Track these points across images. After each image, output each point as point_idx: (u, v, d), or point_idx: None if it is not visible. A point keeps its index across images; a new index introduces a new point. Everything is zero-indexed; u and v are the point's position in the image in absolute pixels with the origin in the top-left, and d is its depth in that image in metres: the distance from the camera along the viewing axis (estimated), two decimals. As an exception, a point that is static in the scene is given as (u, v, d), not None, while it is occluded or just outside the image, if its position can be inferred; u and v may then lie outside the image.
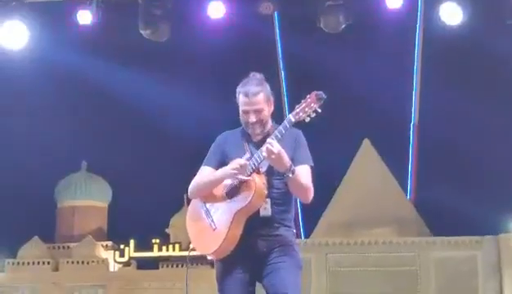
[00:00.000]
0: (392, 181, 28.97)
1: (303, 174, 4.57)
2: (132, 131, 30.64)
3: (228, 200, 4.57)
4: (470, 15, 13.58)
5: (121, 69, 25.14)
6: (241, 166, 4.46)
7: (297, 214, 31.29)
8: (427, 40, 28.53)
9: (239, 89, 4.73)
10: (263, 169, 4.53)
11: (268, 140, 4.43)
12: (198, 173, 4.80)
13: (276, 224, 4.61)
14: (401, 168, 30.56)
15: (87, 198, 32.12)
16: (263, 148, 4.40)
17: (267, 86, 4.75)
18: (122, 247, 29.44)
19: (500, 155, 28.69)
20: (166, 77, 26.87)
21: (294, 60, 28.02)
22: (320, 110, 4.39)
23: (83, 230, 31.09)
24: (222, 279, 4.83)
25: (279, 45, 28.86)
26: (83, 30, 13.05)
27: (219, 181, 4.62)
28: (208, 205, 4.70)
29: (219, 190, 4.64)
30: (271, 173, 4.54)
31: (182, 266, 28.68)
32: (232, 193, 4.56)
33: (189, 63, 26.41)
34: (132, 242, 29.29)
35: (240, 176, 4.47)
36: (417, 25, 28.00)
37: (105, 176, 32.25)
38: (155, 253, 29.26)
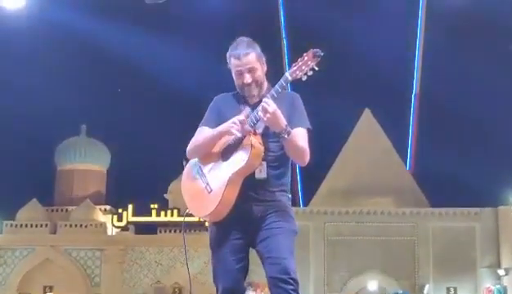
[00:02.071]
0: (392, 151, 28.96)
1: (300, 136, 4.43)
2: (133, 96, 30.55)
3: (224, 161, 4.45)
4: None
5: (121, 31, 24.98)
6: (240, 122, 4.40)
7: (296, 182, 31.47)
8: (430, 9, 28.34)
9: (229, 54, 4.60)
10: (259, 131, 4.41)
11: (264, 99, 4.31)
12: (196, 133, 4.67)
13: (272, 189, 4.47)
14: (402, 138, 30.54)
15: (86, 161, 32.03)
16: (259, 107, 4.28)
17: (257, 47, 4.61)
18: (120, 211, 29.43)
19: (502, 129, 28.63)
20: (167, 40, 26.71)
21: (297, 25, 27.82)
22: (317, 68, 4.22)
23: (82, 194, 31.05)
24: (215, 244, 4.69)
25: (281, 9, 28.65)
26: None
27: (217, 138, 4.50)
28: (203, 167, 4.55)
29: (215, 151, 4.52)
30: (266, 135, 4.41)
31: (180, 231, 28.71)
32: (228, 154, 4.44)
33: (190, 25, 26.26)
34: (130, 206, 29.26)
35: (238, 132, 4.35)
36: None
37: (105, 141, 32.15)
38: (154, 218, 29.25)
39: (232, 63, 4.58)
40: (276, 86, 4.32)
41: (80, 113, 31.48)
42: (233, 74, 4.59)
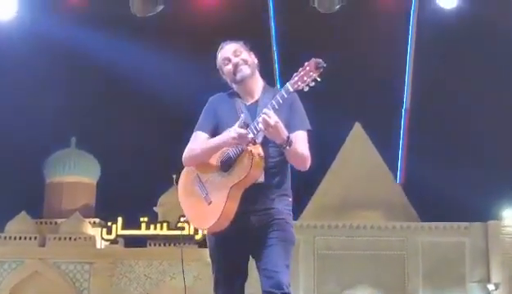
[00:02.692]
0: (382, 165, 28.98)
1: (300, 142, 4.42)
2: (123, 108, 30.44)
3: (223, 172, 4.40)
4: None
5: (112, 43, 24.90)
6: (239, 135, 4.30)
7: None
8: (421, 24, 28.41)
9: (217, 58, 4.65)
10: (259, 140, 4.36)
11: (265, 110, 4.24)
12: (191, 139, 4.64)
13: (271, 195, 4.48)
14: (392, 153, 30.55)
15: (75, 174, 31.92)
16: (259, 119, 4.23)
17: (245, 44, 4.65)
18: (109, 224, 29.32)
19: (492, 144, 28.67)
20: (158, 52, 26.65)
21: (286, 38, 27.87)
22: (319, 79, 4.20)
23: (71, 207, 30.93)
24: (214, 254, 4.67)
25: (272, 22, 28.67)
26: (71, 1, 12.91)
27: (215, 150, 4.45)
28: (201, 176, 4.51)
29: (213, 161, 4.47)
30: (265, 141, 4.37)
31: (170, 245, 28.64)
32: (228, 164, 4.39)
33: (180, 36, 26.18)
34: (119, 219, 29.16)
35: (240, 146, 4.31)
36: (412, 9, 27.83)
37: (95, 153, 32.07)
38: (143, 231, 29.15)
39: (219, 58, 4.58)
40: (277, 97, 4.25)
41: (70, 126, 31.41)
42: (223, 71, 4.57)
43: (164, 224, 28.90)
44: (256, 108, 4.46)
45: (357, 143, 28.88)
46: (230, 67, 4.54)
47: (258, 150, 4.34)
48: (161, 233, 28.85)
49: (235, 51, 4.54)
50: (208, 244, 4.69)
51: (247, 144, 4.30)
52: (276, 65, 28.93)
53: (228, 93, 4.66)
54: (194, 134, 4.63)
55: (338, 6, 12.76)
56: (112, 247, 29.13)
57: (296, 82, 4.20)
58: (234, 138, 4.30)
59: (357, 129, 29.36)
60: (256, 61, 4.60)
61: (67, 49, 25.94)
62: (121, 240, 29.25)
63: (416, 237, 27.08)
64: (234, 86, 4.61)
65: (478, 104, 28.73)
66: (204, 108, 4.69)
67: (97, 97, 30.44)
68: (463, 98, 28.89)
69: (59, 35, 21.25)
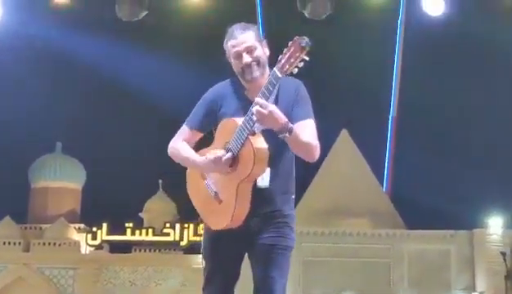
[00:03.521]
0: (369, 173, 28.96)
1: (305, 130, 4.16)
2: (108, 113, 30.33)
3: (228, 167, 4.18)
4: (452, 5, 13.47)
5: (97, 47, 24.82)
6: (216, 159, 4.09)
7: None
8: (408, 31, 28.45)
9: (225, 40, 4.35)
10: (258, 130, 4.11)
11: (256, 99, 4.01)
12: (180, 131, 4.45)
13: (275, 196, 4.26)
14: (379, 160, 30.56)
15: (60, 179, 31.73)
16: (253, 110, 3.99)
17: (256, 28, 4.40)
18: (94, 229, 29.17)
19: (478, 151, 28.73)
20: (144, 55, 26.58)
21: (275, 44, 27.78)
22: (307, 58, 3.96)
23: (56, 212, 30.75)
24: (209, 253, 4.52)
25: (260, 27, 28.58)
26: (57, 5, 12.81)
27: (196, 167, 4.26)
28: (205, 175, 4.30)
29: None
30: (266, 132, 4.12)
31: (155, 251, 28.53)
32: (232, 160, 4.16)
33: (167, 39, 26.12)
34: (104, 225, 29.02)
35: (241, 139, 4.04)
36: (399, 16, 27.86)
37: (80, 158, 31.90)
38: (128, 237, 29.01)
39: (229, 46, 4.27)
40: (267, 84, 4.00)
41: (56, 131, 31.23)
42: (232, 61, 4.29)
43: (150, 230, 28.78)
44: (252, 107, 4.17)
45: (344, 150, 28.85)
46: (239, 64, 4.28)
47: (259, 142, 4.08)
48: (146, 239, 28.73)
49: (248, 48, 4.26)
50: (202, 242, 4.54)
51: (244, 140, 4.05)
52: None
53: (233, 84, 4.40)
54: (183, 128, 4.46)
55: (325, 15, 12.71)
56: (97, 252, 28.96)
57: (283, 66, 3.98)
58: (210, 162, 4.12)
59: (344, 136, 29.33)
60: (268, 53, 4.39)
61: (52, 52, 25.85)
62: (106, 246, 29.10)
63: (402, 244, 27.05)
64: (240, 78, 4.37)
65: (465, 112, 28.79)
66: (203, 99, 4.45)
67: (83, 102, 30.32)
68: (450, 106, 28.95)
69: (44, 38, 21.16)
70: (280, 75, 3.98)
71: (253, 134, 4.07)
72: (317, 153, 4.24)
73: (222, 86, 4.43)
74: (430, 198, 26.75)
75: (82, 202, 32.29)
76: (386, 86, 30.64)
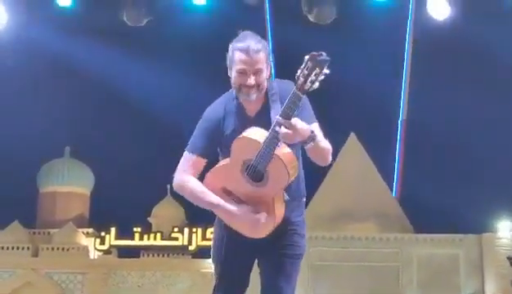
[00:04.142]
0: (377, 177, 28.87)
1: (320, 135, 4.15)
2: (117, 117, 30.37)
3: (255, 182, 4.08)
4: (458, 9, 13.42)
5: (104, 52, 24.84)
6: (256, 221, 4.06)
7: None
8: (418, 35, 28.33)
9: (234, 45, 4.18)
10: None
11: (277, 120, 3.90)
12: (185, 160, 4.28)
13: (289, 204, 4.22)
14: (388, 164, 30.45)
15: (69, 184, 31.77)
16: (279, 131, 3.89)
17: (267, 46, 4.25)
18: (103, 234, 29.18)
19: (487, 155, 28.61)
20: (152, 62, 26.61)
21: (284, 50, 27.74)
22: (328, 71, 3.87)
23: (65, 216, 30.79)
24: (220, 256, 4.43)
25: (269, 35, 28.53)
26: (62, 12, 12.82)
27: (208, 207, 4.17)
28: (228, 187, 4.18)
29: (236, 173, 4.13)
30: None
31: (163, 255, 28.53)
32: (257, 175, 4.07)
33: (173, 47, 26.13)
34: (113, 230, 29.03)
35: (267, 158, 3.99)
36: (408, 20, 27.76)
37: (88, 163, 31.95)
38: (137, 242, 29.01)
39: (236, 57, 4.12)
40: (289, 104, 3.87)
41: (64, 135, 31.29)
42: (233, 71, 4.17)
43: (158, 235, 28.79)
44: (261, 119, 4.17)
45: (352, 154, 28.76)
46: (241, 82, 4.15)
47: (283, 149, 4.02)
48: (155, 243, 28.73)
49: (257, 70, 4.10)
50: (212, 249, 4.47)
51: (273, 153, 3.98)
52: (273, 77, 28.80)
53: (229, 100, 4.29)
54: (189, 155, 4.27)
55: (331, 20, 12.71)
56: (105, 257, 28.97)
57: (304, 85, 3.87)
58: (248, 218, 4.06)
59: (353, 139, 29.26)
60: (268, 75, 4.25)
61: (60, 58, 25.88)
62: (114, 250, 29.12)
63: (411, 248, 26.96)
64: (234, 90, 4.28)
65: (476, 116, 28.69)
66: (204, 122, 4.30)
67: (92, 106, 30.39)
68: (460, 111, 28.85)
69: (51, 44, 21.18)
70: (301, 96, 3.90)
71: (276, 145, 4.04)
72: (331, 157, 4.24)
73: (220, 105, 4.32)
74: (439, 202, 26.66)
75: (90, 206, 32.32)
76: (395, 89, 30.51)
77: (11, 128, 28.97)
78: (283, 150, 4.03)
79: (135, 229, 29.12)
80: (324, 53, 3.92)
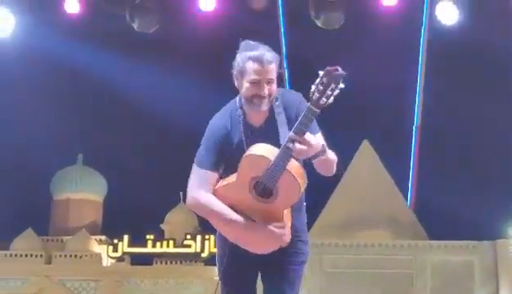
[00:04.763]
0: (390, 183, 28.75)
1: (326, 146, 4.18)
2: (129, 125, 30.40)
3: (264, 199, 4.07)
4: (468, 13, 13.35)
5: (114, 59, 24.86)
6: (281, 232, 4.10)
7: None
8: (432, 40, 28.18)
9: (245, 54, 4.12)
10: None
11: (291, 136, 3.88)
12: (198, 176, 4.21)
13: (292, 212, 4.26)
14: (401, 170, 30.31)
15: (82, 191, 31.87)
16: (293, 147, 3.89)
17: (278, 56, 4.23)
18: (116, 241, 29.19)
19: (503, 160, 28.44)
20: (164, 70, 26.63)
21: (298, 55, 27.70)
22: (343, 85, 3.90)
23: (78, 224, 30.87)
24: (224, 277, 4.48)
25: (283, 42, 28.45)
26: (71, 19, 12.83)
27: (228, 223, 4.17)
28: (237, 206, 4.17)
29: (243, 190, 4.10)
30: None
31: (176, 263, 28.52)
32: (265, 192, 4.06)
33: (185, 53, 26.14)
34: (126, 237, 29.05)
35: (276, 175, 3.97)
36: (423, 24, 27.61)
37: (101, 170, 32.02)
38: (149, 249, 29.01)
39: (249, 67, 4.04)
40: (304, 120, 3.87)
41: (77, 143, 31.36)
42: (243, 81, 4.11)
43: (171, 242, 28.79)
44: (265, 129, 4.17)
45: (365, 161, 28.68)
46: (254, 92, 4.10)
47: (296, 168, 4.02)
48: (167, 250, 28.72)
49: (270, 80, 4.08)
50: (217, 265, 4.47)
51: (276, 182, 3.97)
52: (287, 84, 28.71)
53: (233, 111, 4.24)
54: (202, 171, 4.21)
55: (338, 25, 12.70)
56: (118, 264, 28.99)
57: (320, 100, 3.87)
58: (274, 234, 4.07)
59: (365, 147, 29.17)
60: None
61: (70, 65, 25.93)
62: (127, 258, 29.14)
63: (425, 255, 26.83)
64: (243, 100, 4.22)
65: (489, 120, 28.51)
66: (212, 136, 4.25)
67: (104, 114, 30.43)
68: (474, 115, 28.68)
69: (59, 52, 21.21)
70: (317, 111, 3.89)
71: (289, 160, 4.04)
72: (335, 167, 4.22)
73: (226, 116, 4.28)
74: (453, 208, 26.51)
75: (103, 213, 32.38)
76: (409, 94, 30.36)
77: (24, 136, 29.06)
78: (292, 164, 3.99)
79: (148, 237, 29.12)
80: (339, 68, 3.91)
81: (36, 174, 30.23)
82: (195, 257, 28.11)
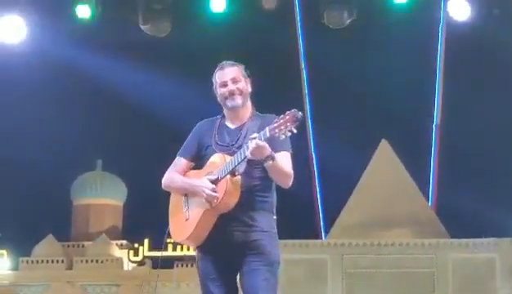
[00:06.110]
0: (410, 182, 28.63)
1: (283, 160, 4.49)
2: (146, 130, 30.50)
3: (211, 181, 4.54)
4: (485, 10, 13.28)
5: (128, 66, 24.96)
6: (208, 197, 4.45)
7: (318, 214, 31.24)
8: (450, 39, 28.02)
9: (214, 73, 4.75)
10: (241, 170, 4.47)
11: (249, 144, 4.32)
12: (173, 164, 4.92)
13: (254, 212, 4.51)
14: (421, 169, 30.19)
15: (102, 196, 32.07)
16: (250, 147, 4.31)
17: (244, 68, 4.72)
18: (136, 246, 29.31)
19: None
20: (177, 75, 26.69)
21: (316, 60, 27.65)
22: (295, 131, 4.26)
23: (98, 229, 31.06)
24: (201, 273, 4.80)
25: (301, 44, 28.38)
26: (82, 24, 12.89)
27: (186, 191, 4.68)
28: (190, 196, 4.69)
29: (201, 176, 4.62)
30: (249, 163, 4.46)
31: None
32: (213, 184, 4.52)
33: (197, 61, 26.17)
34: (146, 241, 29.16)
35: (227, 169, 4.43)
36: (440, 22, 27.46)
37: (121, 175, 32.17)
38: (170, 253, 29.08)
39: (216, 77, 4.68)
40: (261, 134, 4.31)
41: (96, 148, 31.50)
42: (217, 90, 4.69)
43: (191, 245, 28.80)
44: (239, 132, 4.61)
45: (384, 160, 28.56)
46: (224, 91, 4.64)
47: (235, 183, 4.44)
48: (188, 254, 28.78)
49: (234, 78, 4.62)
50: (196, 263, 4.86)
51: (224, 176, 4.45)
52: (306, 91, 28.60)
53: (216, 118, 4.83)
54: (177, 158, 4.94)
55: (348, 21, 12.70)
56: (139, 268, 29.12)
57: (273, 129, 4.28)
58: (204, 192, 4.45)
59: (384, 146, 29.05)
60: (250, 90, 4.70)
61: (86, 71, 26.04)
62: (148, 261, 29.22)
63: (446, 254, 26.69)
64: (223, 107, 4.76)
65: (508, 118, 28.35)
66: (192, 131, 4.98)
67: (123, 119, 30.55)
68: (494, 113, 28.55)
69: (73, 58, 21.29)
70: (268, 135, 4.32)
71: (234, 175, 4.45)
72: (291, 182, 4.56)
73: (210, 120, 4.91)
74: (474, 207, 26.39)
75: (123, 218, 32.52)
76: (428, 93, 30.21)
77: (45, 143, 29.25)
78: (235, 179, 4.46)
79: (168, 240, 29.11)
80: (301, 113, 4.30)
81: (56, 180, 30.40)
82: (192, 260, 28.09)
